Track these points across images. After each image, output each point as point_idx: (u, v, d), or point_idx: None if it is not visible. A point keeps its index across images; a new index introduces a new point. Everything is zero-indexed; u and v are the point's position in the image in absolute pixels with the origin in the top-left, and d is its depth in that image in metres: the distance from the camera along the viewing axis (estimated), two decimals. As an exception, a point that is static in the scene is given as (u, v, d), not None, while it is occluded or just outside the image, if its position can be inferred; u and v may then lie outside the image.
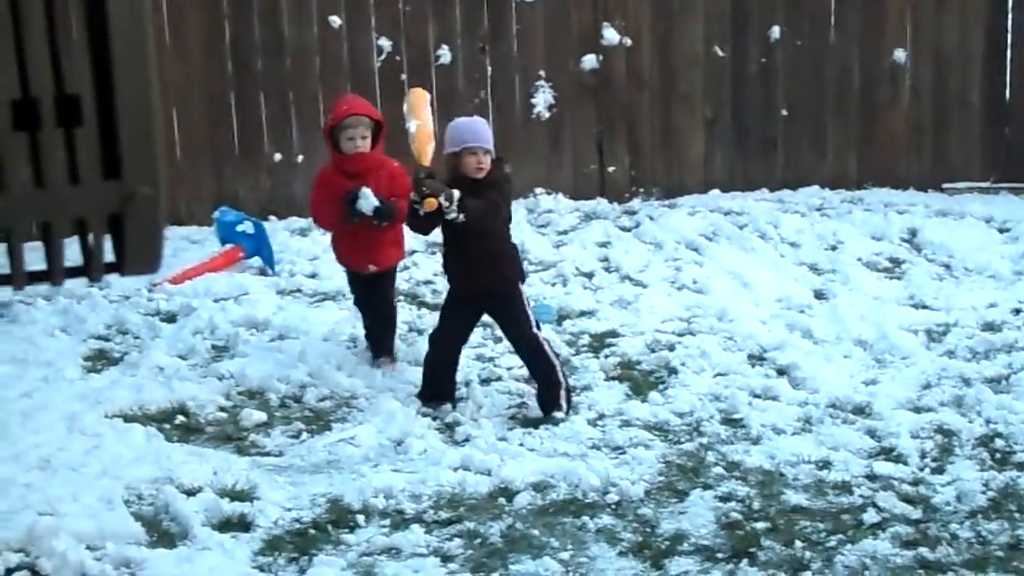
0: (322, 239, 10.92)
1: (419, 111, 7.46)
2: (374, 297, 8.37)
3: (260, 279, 10.05)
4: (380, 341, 8.41)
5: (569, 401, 7.57)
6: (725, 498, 6.50)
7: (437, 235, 7.87)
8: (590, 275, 10.20)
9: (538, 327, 7.64)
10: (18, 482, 6.60)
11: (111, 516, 6.30)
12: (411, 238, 8.61)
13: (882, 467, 6.78)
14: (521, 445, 7.14)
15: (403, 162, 7.93)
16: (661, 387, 8.01)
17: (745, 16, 12.38)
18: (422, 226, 7.54)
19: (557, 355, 7.67)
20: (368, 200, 7.84)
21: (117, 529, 6.19)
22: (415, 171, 7.30)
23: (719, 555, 6.00)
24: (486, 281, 7.50)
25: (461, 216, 7.21)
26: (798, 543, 6.05)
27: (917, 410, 7.56)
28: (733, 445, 7.14)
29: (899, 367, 8.30)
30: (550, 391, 7.55)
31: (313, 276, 10.11)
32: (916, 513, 6.32)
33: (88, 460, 6.91)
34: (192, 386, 8.00)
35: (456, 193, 7.18)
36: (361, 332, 8.54)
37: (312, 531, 6.28)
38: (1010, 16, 12.44)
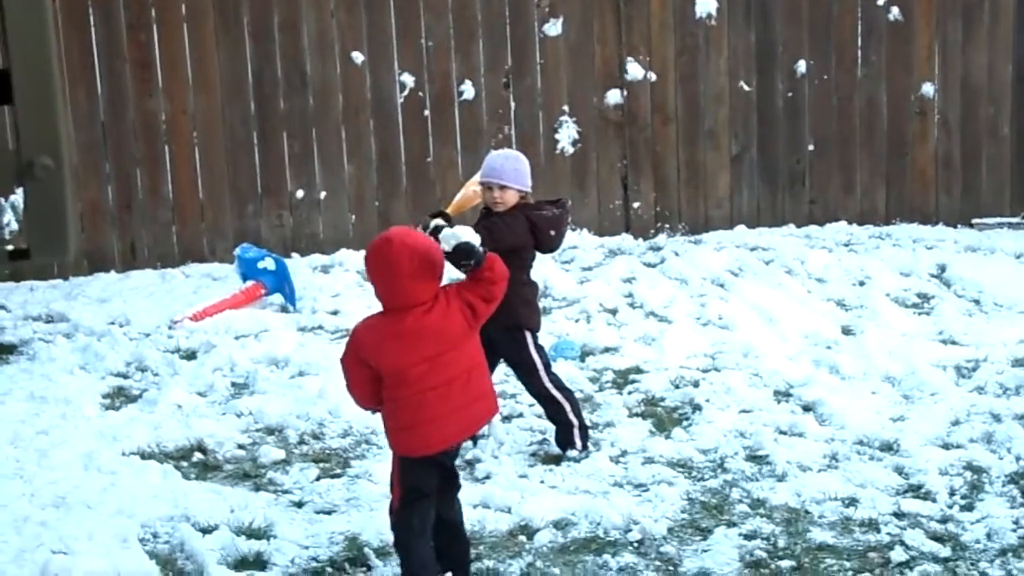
0: (344, 275, 10.88)
1: (460, 201, 7.45)
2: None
3: (281, 316, 10.04)
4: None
5: (585, 439, 7.44)
6: (750, 536, 6.39)
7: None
8: (614, 311, 10.10)
9: (548, 366, 7.46)
10: (33, 520, 6.55)
11: (126, 555, 6.22)
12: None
13: (910, 505, 6.66)
14: (542, 482, 7.05)
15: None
16: (685, 423, 7.90)
17: (771, 51, 12.33)
18: None
19: (569, 393, 7.49)
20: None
21: (132, 568, 6.10)
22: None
23: (743, 594, 5.90)
24: None
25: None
26: (824, 582, 5.94)
27: (946, 447, 7.43)
28: (758, 482, 7.02)
29: (928, 403, 8.16)
30: (563, 431, 7.43)
31: (335, 313, 10.06)
32: (945, 551, 6.20)
33: (104, 498, 6.84)
34: (210, 423, 7.95)
35: (435, 222, 6.79)
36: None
37: (329, 569, 6.19)
38: (1039, 48, 12.35)
